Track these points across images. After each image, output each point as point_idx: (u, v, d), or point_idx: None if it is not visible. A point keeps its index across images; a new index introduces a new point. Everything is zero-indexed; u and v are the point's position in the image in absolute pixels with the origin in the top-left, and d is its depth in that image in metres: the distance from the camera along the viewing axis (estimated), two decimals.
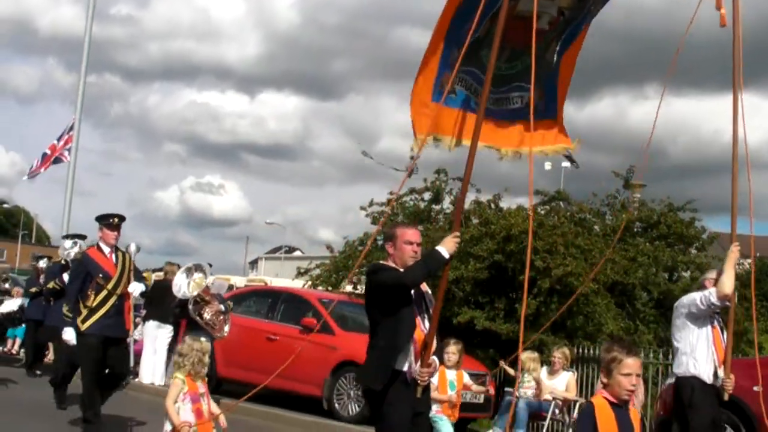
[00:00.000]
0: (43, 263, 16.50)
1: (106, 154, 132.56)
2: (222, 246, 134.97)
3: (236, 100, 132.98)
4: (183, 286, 12.81)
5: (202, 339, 8.29)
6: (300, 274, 19.65)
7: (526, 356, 12.77)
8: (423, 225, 18.27)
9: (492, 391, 14.07)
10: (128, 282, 10.34)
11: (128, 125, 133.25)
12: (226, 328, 13.17)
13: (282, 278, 30.37)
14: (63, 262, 13.21)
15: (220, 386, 14.52)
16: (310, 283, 18.80)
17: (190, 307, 12.75)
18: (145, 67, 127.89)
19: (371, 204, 18.58)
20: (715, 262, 18.73)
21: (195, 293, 12.76)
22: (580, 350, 14.63)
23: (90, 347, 9.94)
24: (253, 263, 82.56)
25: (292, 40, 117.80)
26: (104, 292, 9.97)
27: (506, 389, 13.77)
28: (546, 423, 12.51)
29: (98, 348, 9.92)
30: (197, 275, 12.87)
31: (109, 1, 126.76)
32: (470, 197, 18.17)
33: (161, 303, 14.85)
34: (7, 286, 15.28)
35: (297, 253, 73.40)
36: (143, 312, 16.16)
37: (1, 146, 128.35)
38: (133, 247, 11.47)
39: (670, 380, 10.89)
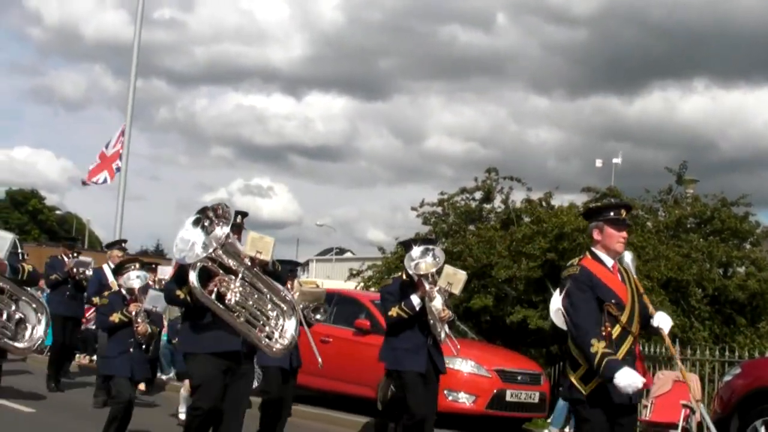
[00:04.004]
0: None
1: (154, 159, 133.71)
2: None
3: (283, 102, 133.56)
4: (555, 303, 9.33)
5: None
6: (352, 275, 19.71)
7: None
8: (474, 224, 18.29)
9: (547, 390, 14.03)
10: (641, 314, 6.47)
11: (175, 129, 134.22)
12: None
13: (334, 280, 30.45)
14: (405, 277, 9.64)
15: None
16: (362, 284, 18.84)
17: None
18: (190, 71, 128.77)
19: (422, 204, 18.61)
20: None
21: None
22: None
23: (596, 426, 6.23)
24: (304, 265, 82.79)
25: (338, 40, 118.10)
26: (618, 329, 6.19)
27: (561, 388, 13.72)
28: None
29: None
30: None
31: (152, 6, 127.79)
32: (521, 195, 18.16)
33: None
34: (319, 316, 10.92)
35: (348, 255, 73.47)
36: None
37: (52, 153, 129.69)
38: (628, 258, 6.86)
39: (727, 378, 10.82)
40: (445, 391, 12.49)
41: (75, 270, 14.15)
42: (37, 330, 7.27)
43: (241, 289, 6.93)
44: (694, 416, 12.07)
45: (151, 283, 11.21)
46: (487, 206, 18.59)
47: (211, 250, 6.75)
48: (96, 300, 12.96)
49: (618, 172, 40.70)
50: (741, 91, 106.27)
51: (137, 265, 9.58)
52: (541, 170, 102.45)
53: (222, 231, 6.83)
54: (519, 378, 13.52)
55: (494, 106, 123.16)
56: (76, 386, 14.80)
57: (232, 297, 6.87)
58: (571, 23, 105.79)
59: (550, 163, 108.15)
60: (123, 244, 14.94)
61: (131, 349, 9.26)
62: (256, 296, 7.02)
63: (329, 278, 36.45)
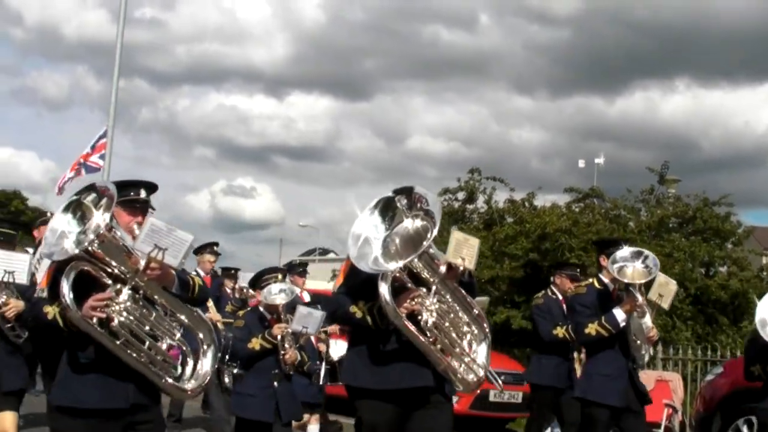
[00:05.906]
0: None
1: (136, 160, 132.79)
2: (256, 249, 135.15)
3: (265, 103, 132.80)
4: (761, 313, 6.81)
5: None
6: (335, 276, 19.68)
7: None
8: (457, 225, 18.30)
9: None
10: None
11: (157, 130, 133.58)
12: None
13: (317, 280, 30.32)
14: (599, 285, 7.53)
15: None
16: None
17: None
18: (172, 71, 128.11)
19: None
20: (752, 256, 18.68)
21: None
22: None
23: None
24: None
25: (320, 40, 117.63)
26: None
27: None
28: None
29: None
30: None
31: (133, 5, 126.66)
32: (504, 196, 18.18)
33: None
34: None
35: (331, 255, 73.50)
36: None
37: (35, 154, 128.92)
38: None
39: (710, 377, 10.86)
40: None
41: None
42: (203, 364, 5.24)
43: (436, 306, 5.14)
44: (677, 415, 12.13)
45: (229, 291, 10.39)
46: (470, 206, 18.61)
47: (410, 258, 4.98)
48: None
49: (600, 172, 40.67)
50: (722, 91, 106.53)
51: (280, 277, 7.70)
52: (523, 170, 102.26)
53: (413, 225, 5.08)
54: (502, 378, 13.51)
55: (477, 106, 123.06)
56: None
57: (427, 317, 5.07)
58: (554, 23, 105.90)
59: (533, 164, 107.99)
60: (215, 247, 12.30)
61: (276, 384, 7.26)
62: (451, 315, 5.29)
63: (313, 278, 36.34)
